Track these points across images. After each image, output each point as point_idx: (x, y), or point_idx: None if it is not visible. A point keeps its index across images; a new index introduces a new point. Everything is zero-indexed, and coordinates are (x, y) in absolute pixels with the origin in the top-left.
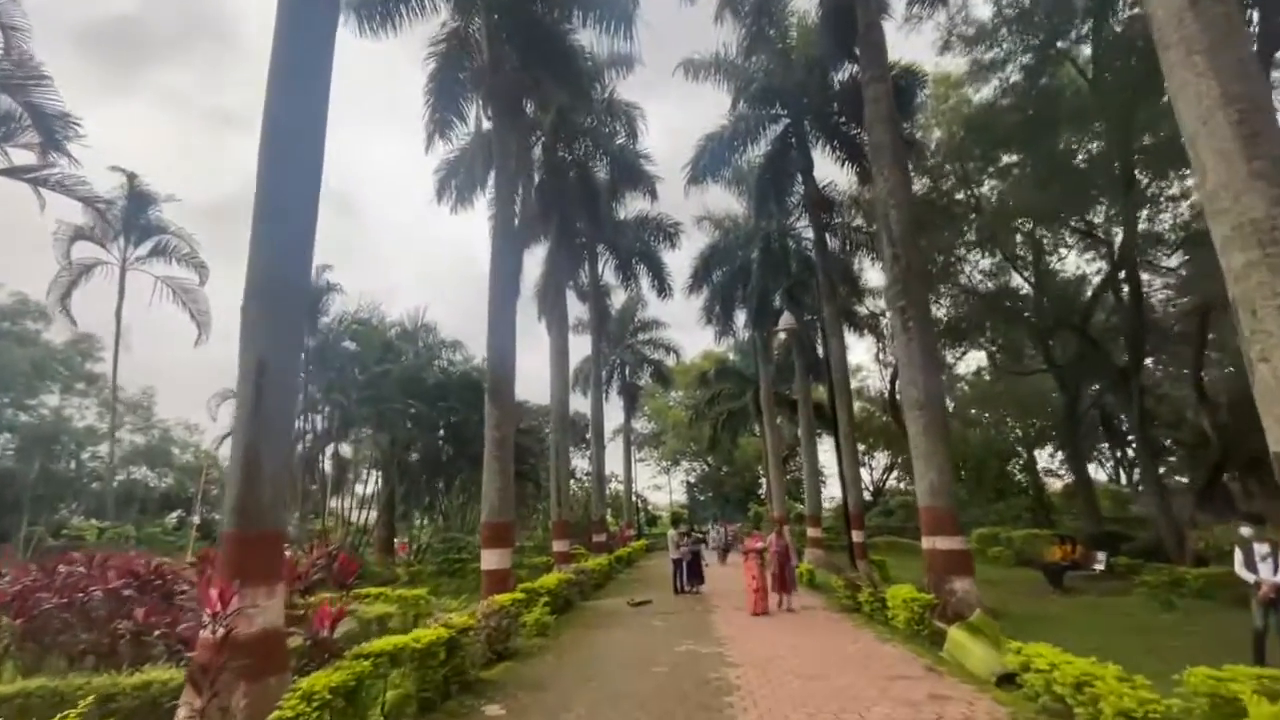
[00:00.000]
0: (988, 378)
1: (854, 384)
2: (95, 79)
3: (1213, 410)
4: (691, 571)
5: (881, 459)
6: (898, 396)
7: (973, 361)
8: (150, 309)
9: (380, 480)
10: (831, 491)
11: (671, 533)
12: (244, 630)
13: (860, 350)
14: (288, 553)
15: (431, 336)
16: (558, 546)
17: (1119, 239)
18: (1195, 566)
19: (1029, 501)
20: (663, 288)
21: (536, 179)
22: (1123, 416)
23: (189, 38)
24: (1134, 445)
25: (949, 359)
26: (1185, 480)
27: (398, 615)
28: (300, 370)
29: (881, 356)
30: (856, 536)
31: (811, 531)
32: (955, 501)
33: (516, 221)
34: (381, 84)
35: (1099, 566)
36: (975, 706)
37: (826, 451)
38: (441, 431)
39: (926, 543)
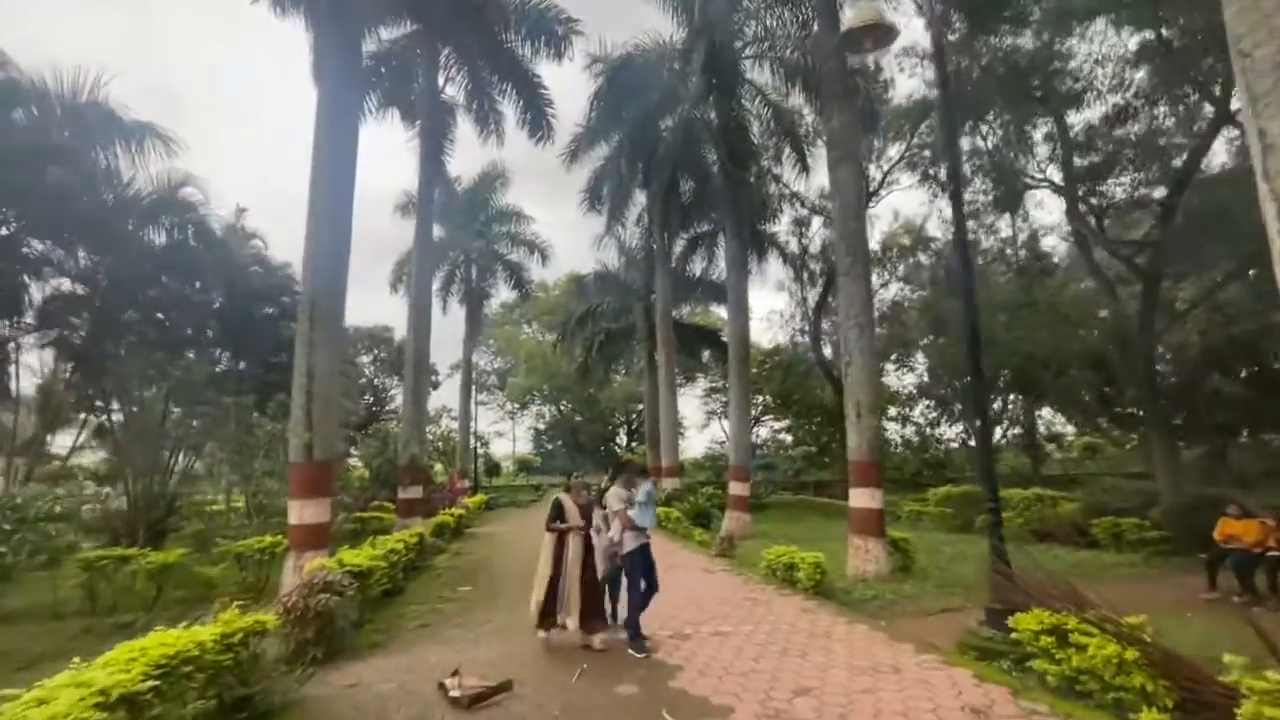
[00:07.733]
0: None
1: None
2: None
3: None
4: (610, 585)
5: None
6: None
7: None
8: None
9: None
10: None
11: (570, 498)
12: None
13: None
14: None
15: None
16: (298, 514)
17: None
18: None
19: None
20: (538, 123)
21: None
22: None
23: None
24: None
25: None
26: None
27: None
28: None
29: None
30: (870, 500)
31: (738, 488)
32: None
33: None
34: None
35: None
36: None
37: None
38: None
39: None
